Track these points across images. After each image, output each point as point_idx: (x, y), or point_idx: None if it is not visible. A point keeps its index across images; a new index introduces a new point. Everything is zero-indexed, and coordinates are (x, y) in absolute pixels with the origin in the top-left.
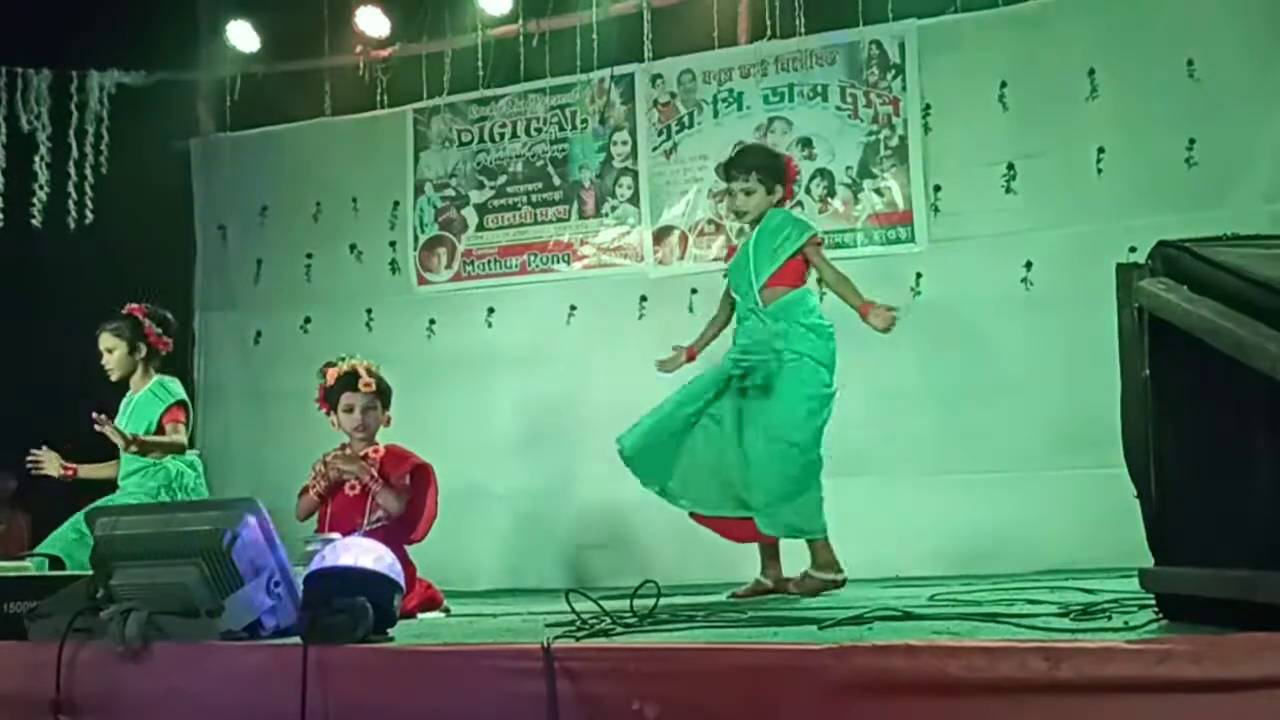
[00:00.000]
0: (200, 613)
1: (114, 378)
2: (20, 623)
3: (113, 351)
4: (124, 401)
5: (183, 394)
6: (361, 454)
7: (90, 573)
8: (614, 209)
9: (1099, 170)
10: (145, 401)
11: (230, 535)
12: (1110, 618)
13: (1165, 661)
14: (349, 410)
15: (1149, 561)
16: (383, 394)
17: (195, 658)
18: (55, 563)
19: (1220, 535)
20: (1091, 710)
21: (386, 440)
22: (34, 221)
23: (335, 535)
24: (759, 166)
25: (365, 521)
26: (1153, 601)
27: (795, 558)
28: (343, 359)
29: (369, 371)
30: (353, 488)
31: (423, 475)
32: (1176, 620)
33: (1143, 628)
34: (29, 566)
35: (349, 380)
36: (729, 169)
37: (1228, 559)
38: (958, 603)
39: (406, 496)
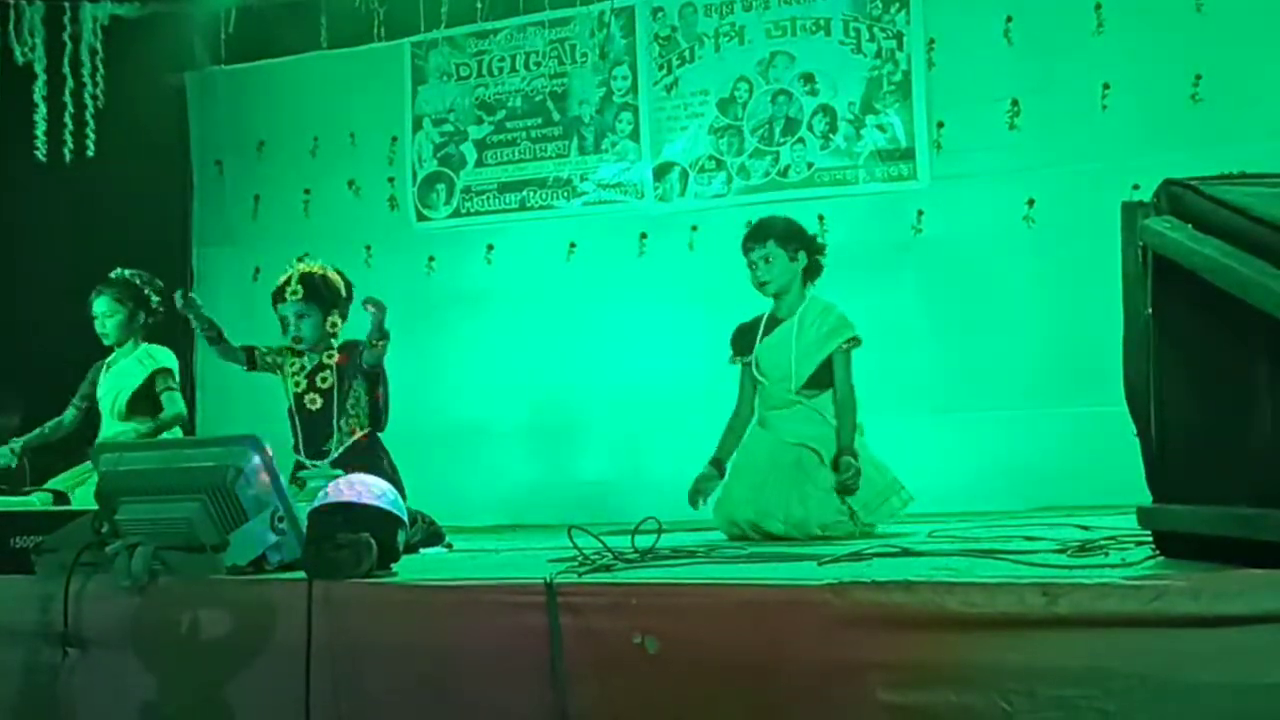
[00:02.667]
0: (205, 548)
1: (109, 342)
2: (27, 557)
3: (112, 317)
4: (103, 366)
5: (170, 361)
6: (319, 363)
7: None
8: (614, 145)
9: (1104, 106)
10: (128, 368)
11: (234, 471)
12: (1108, 554)
13: (1161, 597)
14: (282, 323)
15: (1146, 498)
16: (320, 298)
17: (201, 592)
18: (59, 498)
19: (1218, 474)
20: (1089, 645)
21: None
22: (37, 154)
23: (339, 471)
24: (776, 233)
25: (338, 430)
26: (1150, 538)
27: None
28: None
29: (302, 277)
30: (313, 401)
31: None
32: (1173, 557)
33: (1140, 564)
34: (33, 502)
35: (278, 293)
36: (745, 243)
37: (1225, 497)
38: (956, 539)
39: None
